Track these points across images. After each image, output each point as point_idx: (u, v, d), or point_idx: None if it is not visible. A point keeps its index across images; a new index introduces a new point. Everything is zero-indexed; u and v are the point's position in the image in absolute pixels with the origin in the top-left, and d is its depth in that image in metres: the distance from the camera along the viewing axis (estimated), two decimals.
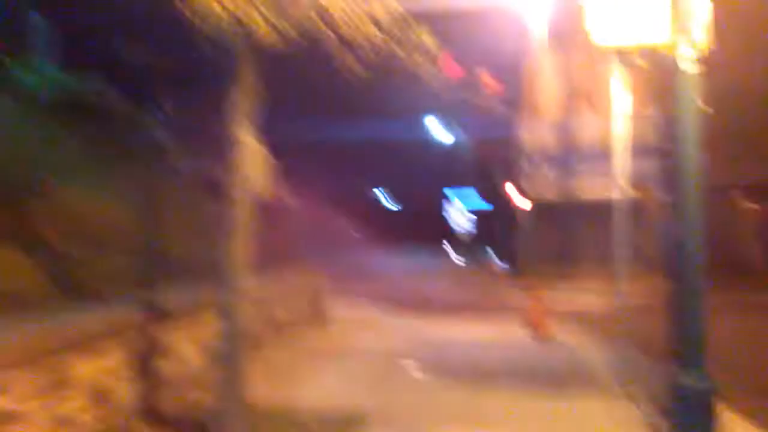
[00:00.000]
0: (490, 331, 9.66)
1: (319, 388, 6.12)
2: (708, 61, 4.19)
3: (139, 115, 16.31)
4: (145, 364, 4.88)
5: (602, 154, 20.73)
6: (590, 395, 5.85)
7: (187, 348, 5.67)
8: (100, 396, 4.22)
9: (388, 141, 52.79)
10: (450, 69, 16.78)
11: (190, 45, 4.54)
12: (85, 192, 6.81)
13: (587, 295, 16.03)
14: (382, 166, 56.73)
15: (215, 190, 4.81)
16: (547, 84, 22.34)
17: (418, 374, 6.74)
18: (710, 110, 4.19)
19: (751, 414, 5.01)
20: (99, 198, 6.97)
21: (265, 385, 6.19)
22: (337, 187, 54.49)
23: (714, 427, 3.81)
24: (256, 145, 4.71)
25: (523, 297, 14.71)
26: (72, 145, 8.30)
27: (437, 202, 40.03)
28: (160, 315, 5.14)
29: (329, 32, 4.23)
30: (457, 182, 32.20)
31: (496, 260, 22.41)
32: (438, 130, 32.64)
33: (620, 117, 8.17)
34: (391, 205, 63.74)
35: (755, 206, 18.92)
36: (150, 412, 4.87)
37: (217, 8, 3.86)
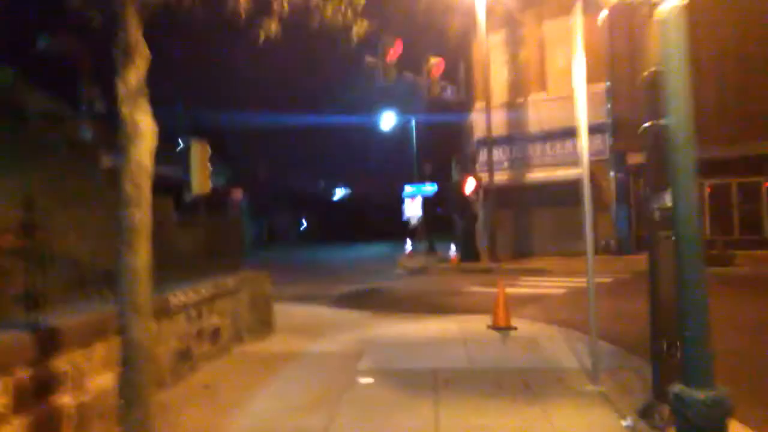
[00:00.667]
0: (449, 326, 8.97)
1: (251, 415, 5.26)
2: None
3: (59, 108, 14.89)
4: (36, 399, 3.92)
5: (555, 135, 20.50)
6: (564, 400, 5.20)
7: (94, 374, 4.71)
8: None
9: (338, 132, 51.89)
10: (392, 49, 16.03)
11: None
12: None
13: (544, 278, 15.65)
14: (331, 158, 55.85)
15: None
16: (495, 65, 21.82)
17: (370, 386, 5.95)
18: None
19: None
20: None
21: (193, 412, 5.30)
22: (285, 180, 53.43)
23: None
24: (152, 126, 3.77)
25: (481, 285, 14.24)
26: None
27: (390, 192, 39.47)
28: (55, 336, 4.16)
29: None
30: (410, 171, 31.58)
31: (451, 247, 21.89)
32: (388, 120, 31.90)
33: (578, 95, 7.51)
34: (342, 198, 62.80)
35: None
36: None
37: None
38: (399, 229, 31.04)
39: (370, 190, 54.47)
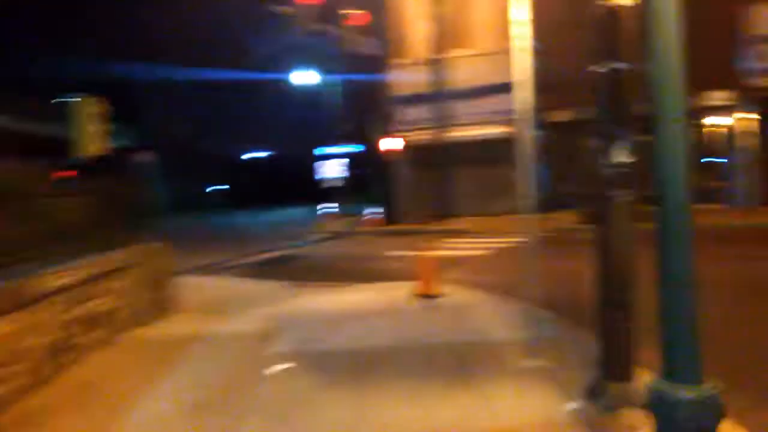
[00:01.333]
0: (372, 296, 8.34)
1: (141, 419, 4.39)
2: None
3: None
4: None
5: (478, 91, 20.05)
6: (504, 379, 4.68)
7: None
8: None
9: (257, 93, 49.43)
10: None
11: None
12: None
13: (468, 239, 15.38)
14: (250, 120, 53.26)
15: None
16: (416, 18, 20.96)
17: (285, 375, 5.21)
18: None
19: None
20: None
21: (70, 418, 4.36)
22: (200, 142, 50.62)
23: None
24: None
25: (403, 248, 13.71)
26: None
27: (307, 153, 38.15)
28: None
29: None
30: (329, 130, 30.39)
31: (372, 208, 21.28)
32: (305, 78, 30.30)
33: (515, 48, 6.87)
34: (259, 160, 60.46)
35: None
36: None
37: None
38: (319, 193, 30.08)
39: (290, 152, 52.67)
